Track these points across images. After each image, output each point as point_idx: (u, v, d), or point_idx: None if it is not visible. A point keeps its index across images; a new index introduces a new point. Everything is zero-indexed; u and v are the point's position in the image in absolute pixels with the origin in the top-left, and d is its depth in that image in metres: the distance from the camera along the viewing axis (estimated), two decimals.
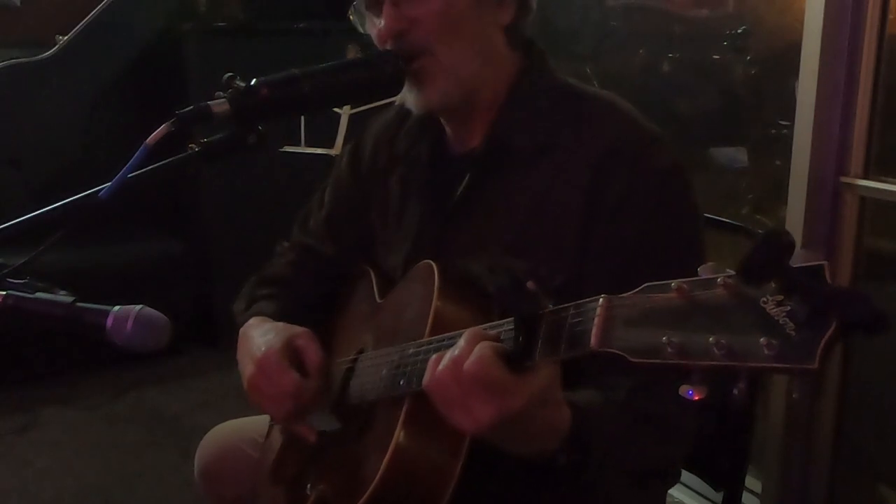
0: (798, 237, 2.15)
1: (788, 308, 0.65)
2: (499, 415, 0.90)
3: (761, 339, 0.65)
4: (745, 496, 1.48)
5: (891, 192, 2.07)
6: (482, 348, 0.90)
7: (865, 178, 2.11)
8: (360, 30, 1.30)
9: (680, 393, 0.71)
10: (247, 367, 1.31)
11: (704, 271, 0.72)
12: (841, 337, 0.63)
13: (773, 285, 0.66)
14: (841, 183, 2.13)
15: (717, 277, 0.70)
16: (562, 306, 0.86)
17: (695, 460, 1.39)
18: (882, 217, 2.20)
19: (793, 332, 0.64)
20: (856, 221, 2.15)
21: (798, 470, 2.31)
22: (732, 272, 0.69)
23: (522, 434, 0.95)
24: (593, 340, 0.80)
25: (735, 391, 0.68)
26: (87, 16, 3.58)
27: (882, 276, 2.30)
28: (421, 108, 1.26)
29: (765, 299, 0.66)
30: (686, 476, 1.37)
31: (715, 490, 1.44)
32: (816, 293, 0.64)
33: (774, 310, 0.66)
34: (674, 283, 0.73)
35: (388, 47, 1.22)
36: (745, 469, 1.43)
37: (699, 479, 1.48)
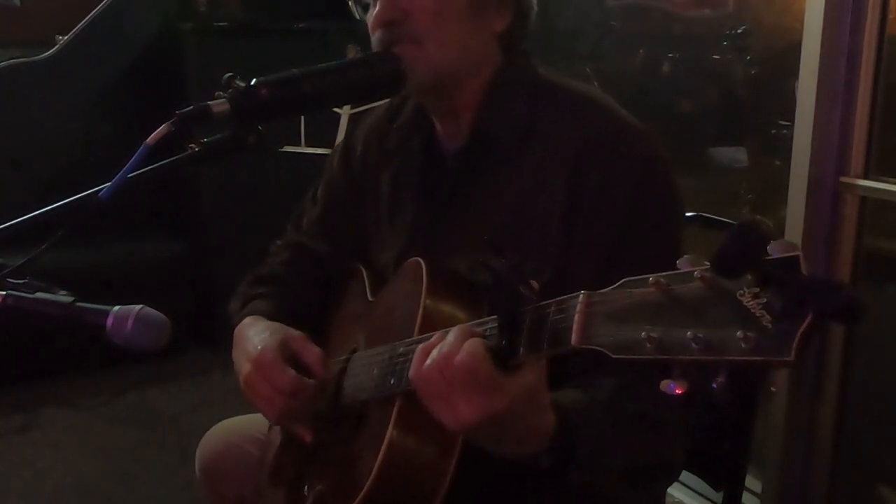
0: (798, 237, 2.15)
1: (764, 300, 0.65)
2: (483, 413, 0.89)
3: (738, 333, 0.65)
4: (745, 496, 1.48)
5: (891, 192, 2.07)
6: (473, 344, 0.90)
7: (865, 178, 2.11)
8: (357, 16, 1.31)
9: (662, 388, 0.71)
10: (243, 366, 1.31)
11: (683, 264, 0.72)
12: (819, 327, 0.62)
13: (750, 277, 0.65)
14: (841, 183, 2.13)
15: (695, 271, 0.70)
16: (544, 303, 0.86)
17: (695, 460, 1.39)
18: (882, 217, 2.20)
19: (769, 325, 0.64)
20: (856, 221, 2.15)
21: (798, 470, 2.31)
22: (709, 265, 0.69)
23: (508, 435, 0.95)
24: (574, 337, 0.80)
25: (714, 385, 0.67)
26: (87, 16, 3.58)
27: (882, 276, 2.30)
28: None
29: (741, 292, 0.66)
30: (686, 476, 1.37)
31: (715, 490, 1.44)
32: (791, 285, 0.63)
33: (751, 302, 0.65)
34: (651, 278, 0.73)
35: (379, 35, 1.23)
36: (745, 469, 1.43)
37: (699, 479, 1.48)
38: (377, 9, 1.23)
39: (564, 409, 0.99)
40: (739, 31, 2.75)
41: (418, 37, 1.21)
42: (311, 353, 1.30)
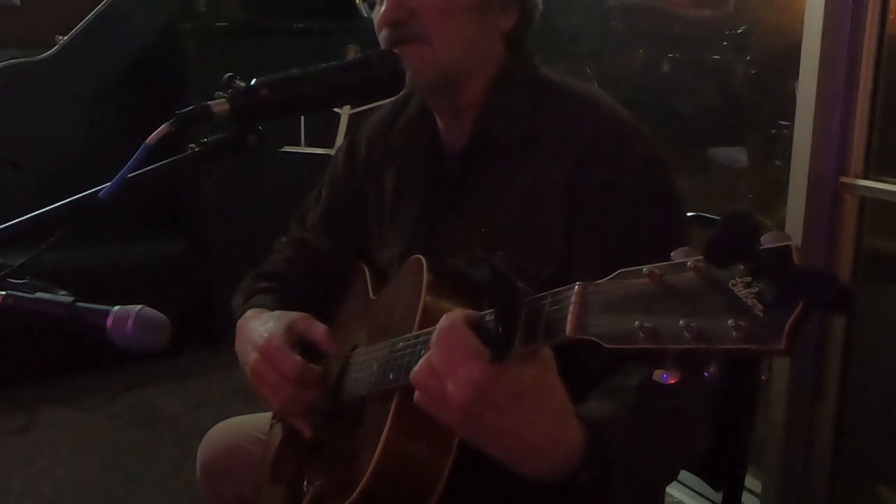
0: (798, 237, 2.15)
1: (756, 290, 0.65)
2: (470, 382, 0.87)
3: (729, 321, 0.65)
4: (745, 496, 1.48)
5: (891, 192, 2.07)
6: (451, 314, 0.90)
7: (865, 178, 2.11)
8: (365, 13, 1.31)
9: (654, 378, 0.71)
10: (249, 356, 1.31)
11: (677, 255, 0.72)
12: (809, 316, 0.63)
13: (742, 267, 0.66)
14: (841, 183, 2.13)
15: (688, 261, 0.70)
16: (539, 295, 0.86)
17: (695, 460, 1.39)
18: (882, 217, 2.20)
19: (760, 314, 0.64)
20: (856, 221, 2.15)
21: (798, 470, 2.31)
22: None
23: (515, 439, 0.92)
24: (568, 328, 0.79)
25: (706, 374, 0.68)
26: (87, 16, 3.58)
27: (882, 276, 2.30)
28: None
29: (734, 281, 0.66)
30: (686, 476, 1.36)
31: (715, 490, 1.44)
32: (783, 274, 0.63)
33: (743, 291, 0.65)
34: (645, 269, 0.73)
35: (385, 34, 1.24)
36: (745, 469, 1.43)
37: (699, 479, 1.48)
38: (384, 7, 1.23)
39: (593, 420, 0.97)
40: (739, 31, 2.75)
41: (427, 36, 1.21)
42: (317, 330, 1.31)
